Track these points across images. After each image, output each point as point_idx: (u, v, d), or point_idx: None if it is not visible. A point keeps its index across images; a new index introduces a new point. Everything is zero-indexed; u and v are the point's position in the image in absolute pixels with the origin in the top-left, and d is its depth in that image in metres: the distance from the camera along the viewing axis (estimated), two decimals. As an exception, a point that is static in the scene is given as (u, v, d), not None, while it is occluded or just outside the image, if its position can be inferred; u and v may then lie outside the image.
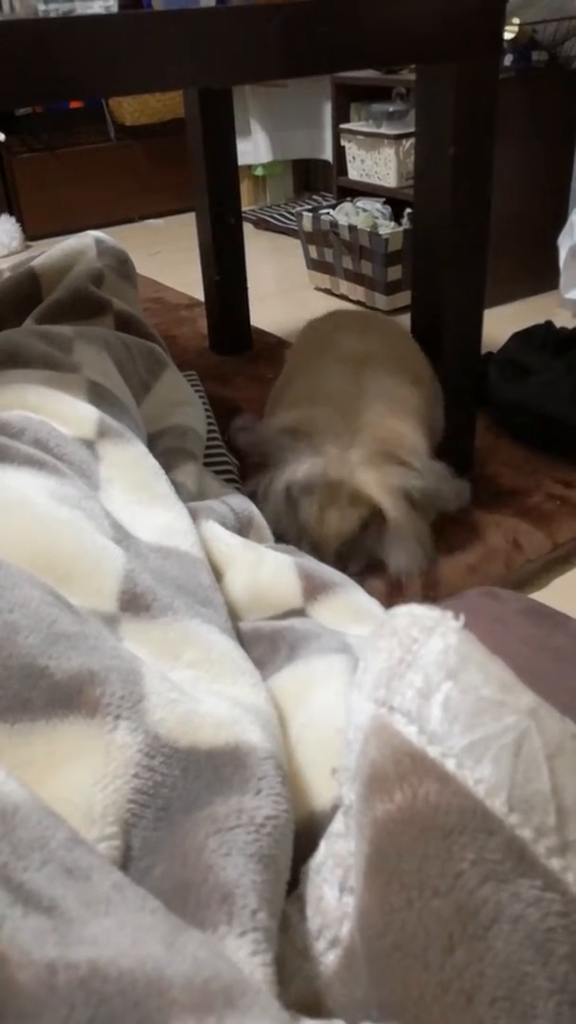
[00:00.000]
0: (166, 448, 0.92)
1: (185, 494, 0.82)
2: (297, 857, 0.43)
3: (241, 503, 0.84)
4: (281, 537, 0.89)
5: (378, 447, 0.90)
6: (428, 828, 0.34)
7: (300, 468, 0.89)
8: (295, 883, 0.42)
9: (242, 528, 0.81)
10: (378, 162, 2.16)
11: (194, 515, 0.75)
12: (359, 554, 0.93)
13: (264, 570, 0.71)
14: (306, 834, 0.45)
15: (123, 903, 0.33)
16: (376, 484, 0.88)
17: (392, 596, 0.93)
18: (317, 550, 0.89)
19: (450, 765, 0.34)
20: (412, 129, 1.71)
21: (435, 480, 0.92)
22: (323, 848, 0.42)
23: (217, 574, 0.70)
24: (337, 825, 0.42)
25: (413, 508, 0.91)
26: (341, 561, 0.91)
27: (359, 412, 0.93)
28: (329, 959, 0.38)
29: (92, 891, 0.34)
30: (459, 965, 0.32)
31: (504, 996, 0.31)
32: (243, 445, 1.03)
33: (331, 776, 0.46)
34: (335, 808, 0.45)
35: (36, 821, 0.36)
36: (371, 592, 0.75)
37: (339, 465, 0.89)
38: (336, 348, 1.03)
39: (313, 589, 0.70)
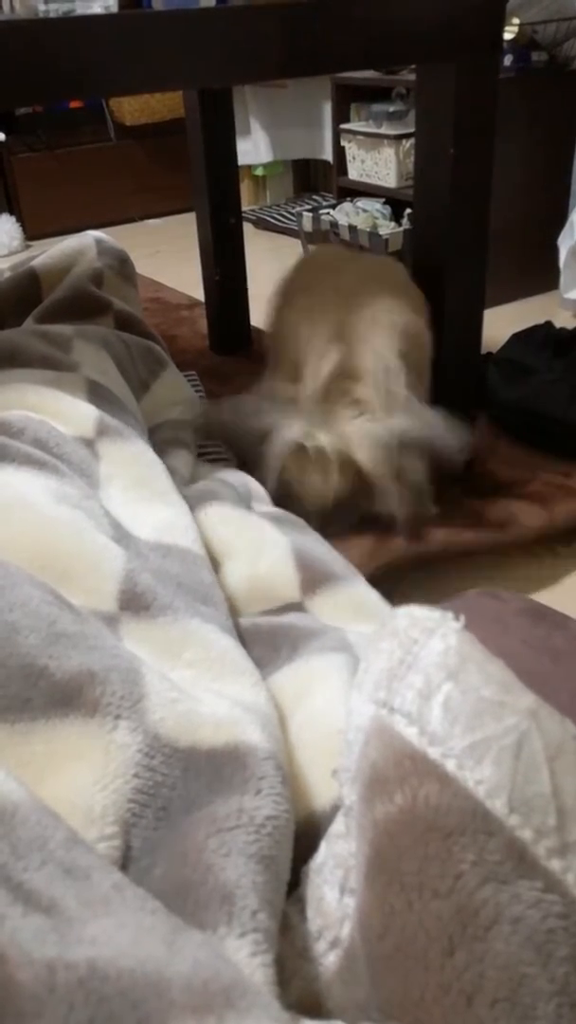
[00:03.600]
0: (162, 438, 0.92)
1: (178, 479, 0.82)
2: (297, 858, 0.43)
3: (237, 477, 0.84)
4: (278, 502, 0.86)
5: (363, 394, 0.86)
6: (428, 829, 0.34)
7: (283, 434, 0.86)
8: (295, 884, 0.42)
9: (242, 500, 0.80)
10: (378, 162, 2.16)
11: (196, 500, 0.74)
12: (347, 514, 0.89)
13: (262, 562, 0.70)
14: (306, 835, 0.45)
15: (123, 903, 0.33)
16: (360, 442, 0.84)
17: (379, 550, 0.89)
18: (302, 513, 0.86)
19: (450, 766, 0.34)
20: (412, 129, 1.71)
21: (428, 426, 0.88)
22: (323, 849, 0.42)
23: (215, 564, 0.70)
24: (337, 826, 0.42)
25: (407, 457, 0.87)
26: (326, 521, 0.86)
27: (346, 342, 0.88)
28: (329, 960, 0.38)
29: (91, 891, 0.34)
30: (459, 966, 0.32)
31: (504, 997, 0.31)
32: (226, 432, 0.96)
33: (331, 777, 0.46)
34: (335, 809, 0.45)
35: (35, 821, 0.36)
36: (359, 546, 0.72)
37: (321, 425, 0.85)
38: (329, 282, 0.99)
39: (311, 582, 0.69)
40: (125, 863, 0.40)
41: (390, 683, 0.39)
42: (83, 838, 0.38)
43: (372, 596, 0.71)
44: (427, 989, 0.32)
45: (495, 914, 0.32)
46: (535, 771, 0.34)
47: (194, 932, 0.33)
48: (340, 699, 0.53)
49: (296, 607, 0.68)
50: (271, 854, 0.39)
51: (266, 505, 0.82)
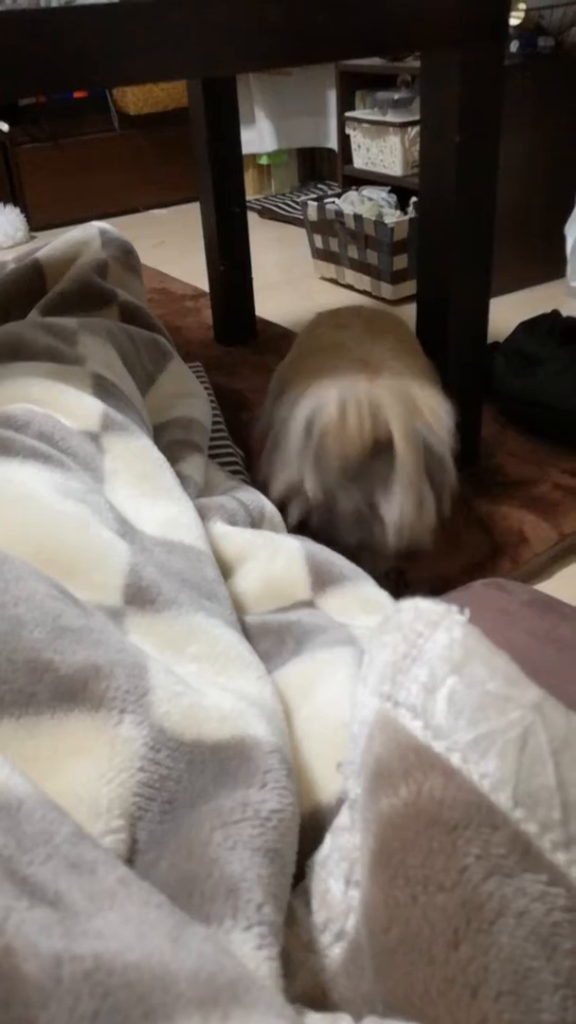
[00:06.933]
0: (171, 440, 0.92)
1: (192, 486, 0.82)
2: (302, 851, 0.43)
3: (252, 497, 0.84)
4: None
5: (406, 394, 0.84)
6: (433, 823, 0.34)
7: (322, 394, 0.82)
8: (300, 877, 0.42)
9: (254, 522, 0.81)
10: (383, 150, 2.15)
11: (204, 513, 0.75)
12: (367, 481, 0.85)
13: (277, 563, 0.71)
14: (311, 828, 0.45)
15: (128, 897, 0.33)
16: (398, 416, 0.81)
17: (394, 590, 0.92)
18: (326, 474, 0.83)
19: (455, 760, 0.34)
20: (417, 117, 1.70)
21: (447, 451, 0.86)
22: (328, 842, 0.42)
23: (231, 568, 0.71)
24: (342, 819, 0.42)
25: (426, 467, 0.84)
26: (352, 485, 0.84)
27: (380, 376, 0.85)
28: (334, 953, 0.39)
29: (97, 885, 0.34)
30: (464, 960, 0.32)
31: (509, 990, 0.31)
32: (255, 434, 0.96)
33: (336, 770, 0.46)
34: (340, 802, 0.45)
35: (41, 815, 0.36)
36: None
37: (364, 391, 0.82)
38: (345, 349, 0.99)
39: (322, 582, 0.70)
40: (131, 857, 0.40)
41: (394, 676, 0.39)
42: (89, 832, 0.38)
43: (381, 595, 0.71)
44: (432, 982, 0.32)
45: (500, 907, 0.32)
46: (540, 764, 0.34)
47: (199, 926, 0.33)
48: (346, 693, 0.53)
49: (306, 604, 0.69)
50: (276, 847, 0.40)
51: (280, 531, 0.82)
